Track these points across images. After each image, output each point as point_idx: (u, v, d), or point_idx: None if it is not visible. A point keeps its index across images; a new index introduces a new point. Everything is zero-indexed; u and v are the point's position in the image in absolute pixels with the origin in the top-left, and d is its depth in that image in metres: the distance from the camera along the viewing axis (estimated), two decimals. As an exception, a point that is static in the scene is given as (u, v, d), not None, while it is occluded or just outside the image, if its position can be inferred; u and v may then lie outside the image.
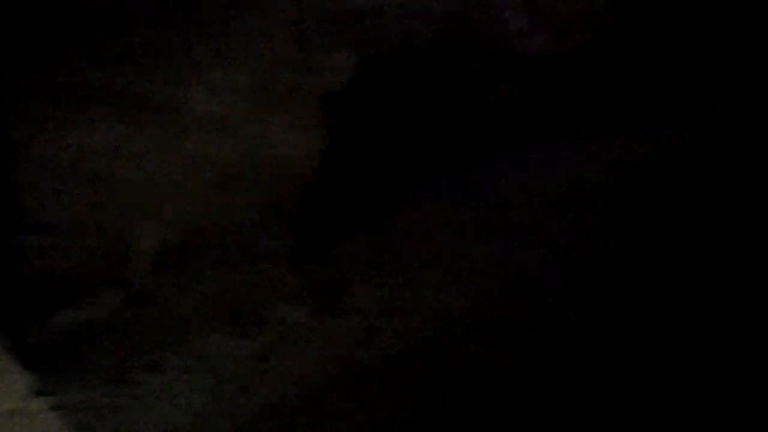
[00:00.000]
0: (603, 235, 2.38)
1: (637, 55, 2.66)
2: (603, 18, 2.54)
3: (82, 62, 1.98)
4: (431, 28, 2.41)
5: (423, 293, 2.22)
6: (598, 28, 2.53)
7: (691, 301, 2.30)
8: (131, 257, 2.04)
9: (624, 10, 2.60)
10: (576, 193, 2.37)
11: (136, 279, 2.04)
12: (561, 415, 1.99)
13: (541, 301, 2.25)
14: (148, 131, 2.03)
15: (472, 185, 2.36)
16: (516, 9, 2.48)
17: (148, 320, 2.06)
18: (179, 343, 2.04)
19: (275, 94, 2.19)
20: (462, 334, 2.17)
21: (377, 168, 2.37)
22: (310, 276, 2.14)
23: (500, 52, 2.49)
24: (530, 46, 2.49)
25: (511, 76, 2.50)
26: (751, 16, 2.79)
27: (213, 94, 2.08)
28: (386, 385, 2.05)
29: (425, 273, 2.25)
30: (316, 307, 2.12)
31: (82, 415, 1.90)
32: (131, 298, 2.05)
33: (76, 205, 2.00)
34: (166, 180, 2.05)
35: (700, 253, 2.41)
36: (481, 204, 2.33)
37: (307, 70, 2.23)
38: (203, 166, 2.06)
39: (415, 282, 2.23)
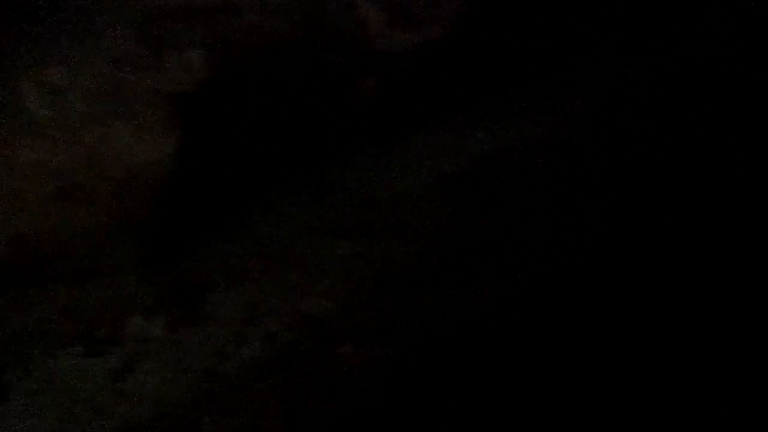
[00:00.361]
0: (467, 229, 2.32)
1: (499, 45, 2.61)
2: (461, 10, 2.48)
3: None
4: (289, 26, 2.32)
5: (289, 296, 2.12)
6: (456, 20, 2.47)
7: (560, 291, 2.27)
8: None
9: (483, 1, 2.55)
10: (439, 187, 2.30)
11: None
12: (432, 413, 1.91)
13: (408, 299, 2.18)
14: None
15: (336, 183, 2.27)
16: (374, 5, 2.41)
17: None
18: (24, 366, 1.89)
19: (120, 96, 2.06)
20: (329, 336, 2.07)
21: (237, 169, 2.26)
22: (166, 286, 2.02)
23: (360, 49, 2.41)
24: (389, 42, 2.42)
25: (372, 72, 2.42)
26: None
27: (47, 96, 1.95)
28: (254, 394, 1.94)
29: (291, 275, 2.15)
30: (174, 318, 1.99)
31: None
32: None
33: None
34: (-2, 191, 1.91)
35: (561, 241, 2.37)
36: (346, 202, 2.25)
37: (155, 69, 2.12)
38: (39, 175, 1.91)
39: (281, 285, 2.13)
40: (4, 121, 1.88)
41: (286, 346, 2.04)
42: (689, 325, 2.21)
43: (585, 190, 2.56)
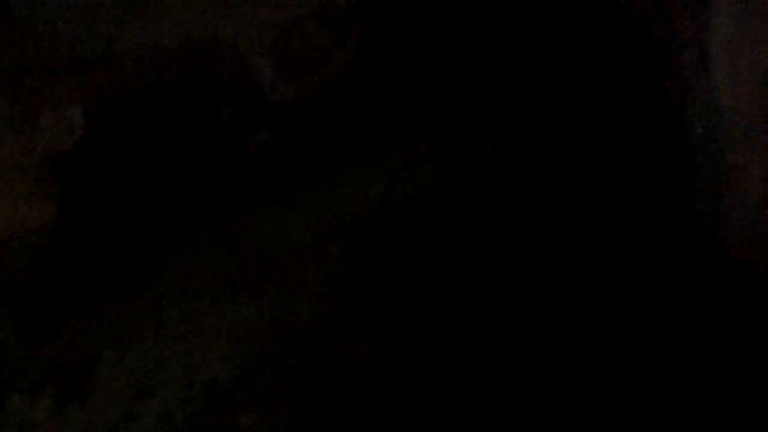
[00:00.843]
0: (368, 280, 2.24)
1: (396, 91, 2.55)
2: (352, 57, 2.41)
3: None
4: (178, 77, 2.21)
5: (186, 364, 1.99)
6: (348, 67, 2.40)
7: (465, 343, 2.23)
8: None
9: (379, 43, 2.48)
10: (337, 239, 2.21)
11: None
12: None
13: (312, 357, 2.08)
14: None
15: (233, 241, 2.16)
16: (265, 57, 2.33)
17: None
18: None
19: (-7, 160, 1.92)
20: (230, 405, 1.94)
21: (125, 230, 2.13)
22: (49, 360, 1.86)
23: (251, 101, 2.32)
24: (281, 94, 2.34)
25: (264, 124, 2.33)
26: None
27: None
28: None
29: (188, 341, 2.02)
30: (59, 396, 1.84)
31: None
32: None
33: None
34: None
35: (465, 289, 2.34)
36: (244, 260, 2.13)
37: (29, 129, 1.97)
38: None
39: (177, 352, 1.99)
40: None
41: (182, 421, 1.90)
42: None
43: (489, 237, 2.51)
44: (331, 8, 2.42)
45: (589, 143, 2.70)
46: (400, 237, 2.35)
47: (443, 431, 2.20)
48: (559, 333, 2.45)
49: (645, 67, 2.61)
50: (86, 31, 2.35)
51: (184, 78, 2.23)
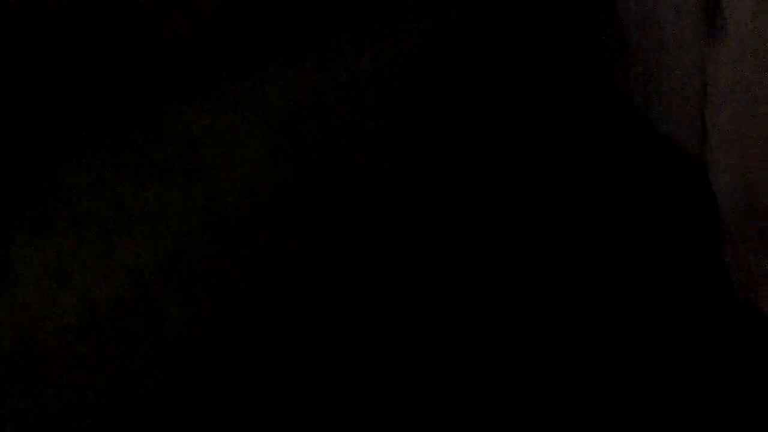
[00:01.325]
0: (300, 166, 2.18)
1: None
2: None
3: None
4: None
5: (107, 248, 1.94)
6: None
7: (398, 234, 2.19)
8: None
9: None
10: (267, 123, 2.14)
11: None
12: (265, 374, 1.79)
13: (241, 246, 2.03)
14: None
15: (154, 127, 2.08)
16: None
17: None
18: None
19: None
20: (154, 291, 1.90)
21: (41, 119, 2.04)
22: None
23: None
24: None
25: (184, 9, 2.22)
26: None
27: None
28: (72, 365, 1.77)
29: (109, 225, 1.96)
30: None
31: None
32: None
33: None
34: None
35: (398, 177, 2.28)
36: (167, 144, 2.06)
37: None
38: None
39: (97, 236, 1.94)
40: None
41: (104, 305, 1.86)
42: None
43: (420, 126, 2.46)
44: None
45: (520, 30, 2.64)
46: (331, 127, 2.29)
47: (370, 320, 2.19)
48: (490, 222, 2.43)
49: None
50: None
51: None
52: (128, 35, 2.14)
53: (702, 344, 2.04)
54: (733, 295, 2.09)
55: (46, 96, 2.10)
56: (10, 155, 2.02)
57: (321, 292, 2.21)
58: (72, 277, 1.87)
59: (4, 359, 1.76)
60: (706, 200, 2.29)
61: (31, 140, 2.05)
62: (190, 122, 2.14)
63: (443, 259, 2.33)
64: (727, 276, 2.13)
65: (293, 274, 2.18)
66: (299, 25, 2.41)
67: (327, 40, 2.37)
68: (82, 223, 1.92)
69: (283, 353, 2.00)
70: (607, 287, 2.23)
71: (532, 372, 1.97)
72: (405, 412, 1.90)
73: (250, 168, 2.13)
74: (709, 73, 2.14)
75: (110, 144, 2.06)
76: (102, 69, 2.12)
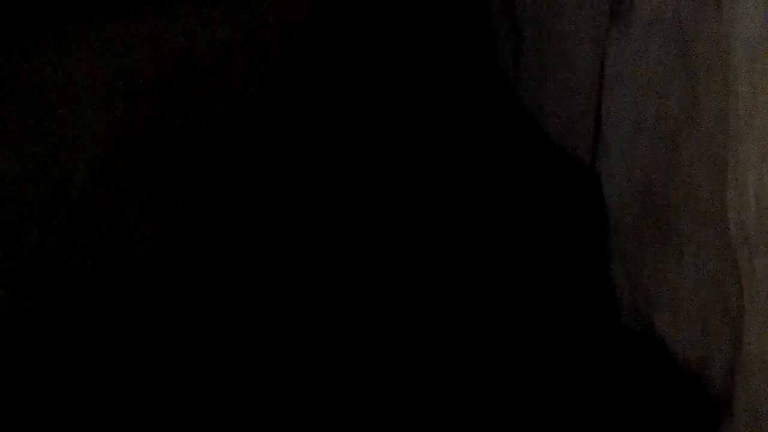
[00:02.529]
0: (151, 132, 1.94)
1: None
2: None
3: None
4: None
5: None
6: None
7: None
8: None
9: None
10: (122, 85, 1.89)
11: None
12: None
13: (87, 223, 1.78)
14: None
15: (5, 76, 1.81)
16: None
17: None
18: None
19: None
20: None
21: None
22: None
23: None
24: None
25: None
26: None
27: None
28: None
29: None
30: None
31: None
32: None
33: None
34: None
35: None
36: (16, 98, 1.78)
37: None
38: None
39: None
40: None
41: None
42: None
43: (285, 102, 2.25)
44: None
45: (409, 19, 2.47)
46: (193, 93, 2.06)
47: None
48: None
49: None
50: None
51: None
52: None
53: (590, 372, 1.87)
54: (620, 320, 1.94)
55: None
56: None
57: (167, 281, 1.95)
58: None
59: None
60: (595, 213, 2.15)
61: None
62: (42, 74, 1.87)
63: (298, 254, 2.10)
64: (614, 300, 1.98)
65: (148, 259, 1.92)
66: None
67: (194, 5, 2.14)
68: None
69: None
70: (484, 304, 2.06)
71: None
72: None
73: (104, 130, 1.86)
74: (610, 65, 2.01)
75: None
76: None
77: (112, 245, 1.92)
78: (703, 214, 1.62)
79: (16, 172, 1.80)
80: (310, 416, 1.72)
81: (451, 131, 2.38)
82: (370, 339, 1.90)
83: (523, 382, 1.81)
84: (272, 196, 2.17)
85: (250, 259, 2.05)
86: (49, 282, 1.83)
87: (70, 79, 1.90)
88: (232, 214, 2.09)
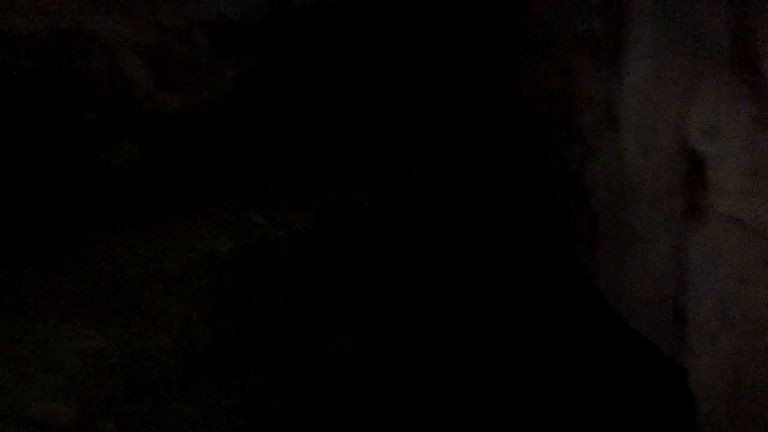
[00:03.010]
0: (239, 316, 1.95)
1: (281, 122, 2.31)
2: (239, 77, 2.17)
3: None
4: (36, 66, 1.92)
5: (16, 398, 1.64)
6: (233, 88, 2.16)
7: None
8: None
9: (271, 68, 2.26)
10: (205, 268, 1.92)
11: None
12: None
13: (165, 404, 1.77)
14: None
15: (80, 260, 1.85)
16: (143, 62, 2.06)
17: None
18: None
19: None
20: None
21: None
22: None
23: (122, 108, 2.04)
24: (157, 104, 2.07)
25: (134, 134, 2.05)
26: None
27: None
28: None
29: (19, 370, 1.67)
30: None
31: None
32: None
33: None
34: None
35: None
36: (90, 282, 1.82)
37: None
38: None
39: (6, 382, 1.65)
40: None
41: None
42: None
43: (369, 284, 2.27)
44: (224, 23, 2.19)
45: (479, 207, 2.52)
46: (276, 276, 2.08)
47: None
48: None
49: (540, 127, 2.47)
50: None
51: (49, 69, 1.95)
52: (74, 153, 1.94)
53: None
54: None
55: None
56: None
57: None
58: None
59: None
60: (678, 402, 2.11)
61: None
62: (127, 257, 1.91)
63: None
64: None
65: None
66: (251, 163, 2.25)
67: (278, 184, 2.20)
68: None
69: None
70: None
71: None
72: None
73: (187, 314, 1.88)
74: (691, 258, 2.02)
75: (32, 274, 1.80)
76: (37, 181, 1.90)
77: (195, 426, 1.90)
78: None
79: (105, 351, 1.80)
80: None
81: (531, 320, 2.38)
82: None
83: None
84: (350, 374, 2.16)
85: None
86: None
87: (156, 263, 1.94)
88: (315, 393, 2.08)
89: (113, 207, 2.01)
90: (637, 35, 2.13)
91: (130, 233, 1.98)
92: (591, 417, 2.22)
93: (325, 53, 2.39)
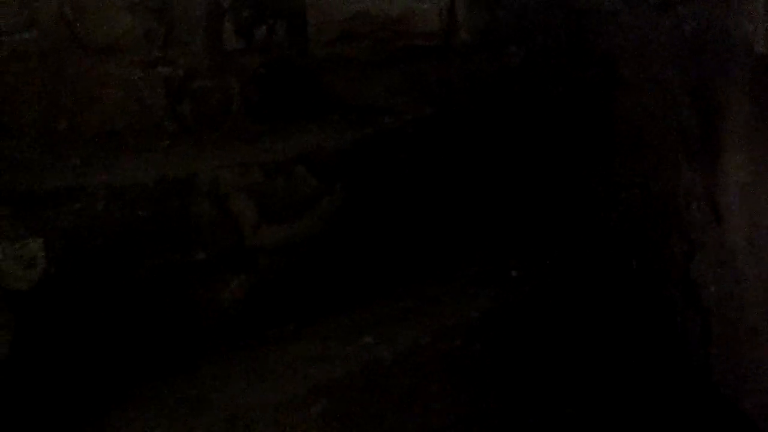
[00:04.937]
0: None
1: (383, 242, 2.37)
2: (336, 204, 2.24)
3: None
4: (151, 214, 2.04)
5: None
6: (331, 215, 2.24)
7: None
8: None
9: (367, 192, 2.34)
10: (320, 397, 1.97)
11: None
12: None
13: None
14: None
15: (197, 396, 1.94)
16: (247, 200, 2.17)
17: None
18: None
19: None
20: None
21: (80, 373, 1.90)
22: None
23: (230, 244, 2.14)
24: (261, 237, 2.17)
25: (242, 268, 2.14)
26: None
27: None
28: None
29: None
30: None
31: None
32: None
33: None
34: None
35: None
36: (214, 416, 1.89)
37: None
38: None
39: None
40: None
41: None
42: None
43: (485, 404, 2.28)
44: (321, 153, 2.29)
45: (585, 309, 2.50)
46: (388, 397, 2.11)
47: None
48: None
49: (645, 224, 2.44)
50: (55, 163, 2.23)
51: (158, 216, 2.07)
52: (184, 291, 2.04)
53: None
54: None
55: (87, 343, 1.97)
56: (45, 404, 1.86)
57: None
58: None
59: None
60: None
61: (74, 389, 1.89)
62: (237, 390, 1.98)
63: None
64: None
65: None
66: (353, 285, 2.31)
67: (383, 302, 2.25)
68: None
69: None
70: None
71: None
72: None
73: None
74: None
75: (147, 410, 1.89)
76: (154, 322, 2.01)
77: None
78: None
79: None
80: None
81: (646, 419, 2.35)
82: None
83: None
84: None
85: None
86: None
87: (269, 391, 1.99)
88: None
89: (223, 339, 2.09)
90: (734, 129, 2.10)
91: (242, 364, 2.05)
92: None
93: (421, 168, 2.46)
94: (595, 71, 2.47)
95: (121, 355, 1.98)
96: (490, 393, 2.29)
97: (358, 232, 2.31)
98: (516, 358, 2.34)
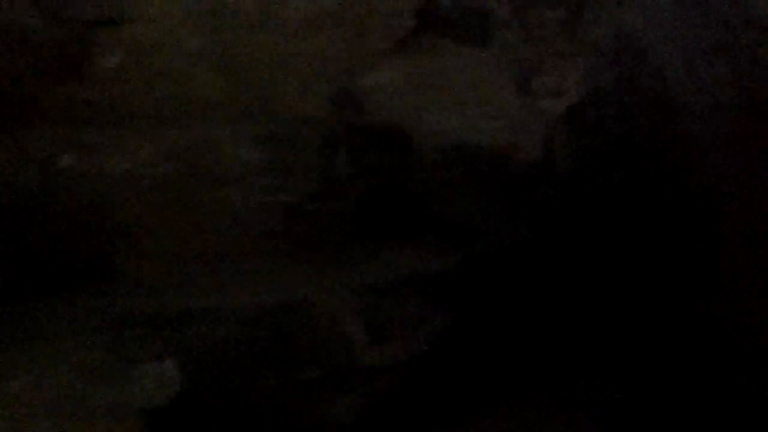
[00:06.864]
0: None
1: (487, 359, 2.50)
2: (445, 323, 2.39)
3: None
4: (266, 335, 2.20)
5: None
6: (441, 334, 2.38)
7: None
8: None
9: (472, 312, 2.48)
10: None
11: None
12: None
13: None
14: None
15: None
16: (359, 321, 2.33)
17: None
18: None
19: (87, 410, 1.90)
20: None
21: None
22: None
23: (342, 363, 2.29)
24: (373, 357, 2.31)
25: (354, 387, 2.29)
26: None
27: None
28: None
29: None
30: None
31: None
32: None
33: None
34: None
35: None
36: None
37: (124, 381, 1.97)
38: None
39: None
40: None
41: None
42: None
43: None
44: (427, 275, 2.44)
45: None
46: None
47: None
48: None
49: (751, 358, 2.46)
50: (183, 284, 2.40)
51: (276, 336, 2.23)
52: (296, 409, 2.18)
53: None
54: None
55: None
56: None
57: None
58: None
59: None
60: None
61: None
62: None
63: None
64: None
65: None
66: (459, 403, 2.42)
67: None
68: None
69: None
70: None
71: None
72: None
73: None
74: None
75: None
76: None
77: None
78: None
79: None
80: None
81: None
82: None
83: None
84: None
85: None
86: None
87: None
88: None
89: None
90: None
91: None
92: None
93: (517, 287, 2.59)
94: (696, 202, 2.53)
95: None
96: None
97: (461, 352, 2.45)
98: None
